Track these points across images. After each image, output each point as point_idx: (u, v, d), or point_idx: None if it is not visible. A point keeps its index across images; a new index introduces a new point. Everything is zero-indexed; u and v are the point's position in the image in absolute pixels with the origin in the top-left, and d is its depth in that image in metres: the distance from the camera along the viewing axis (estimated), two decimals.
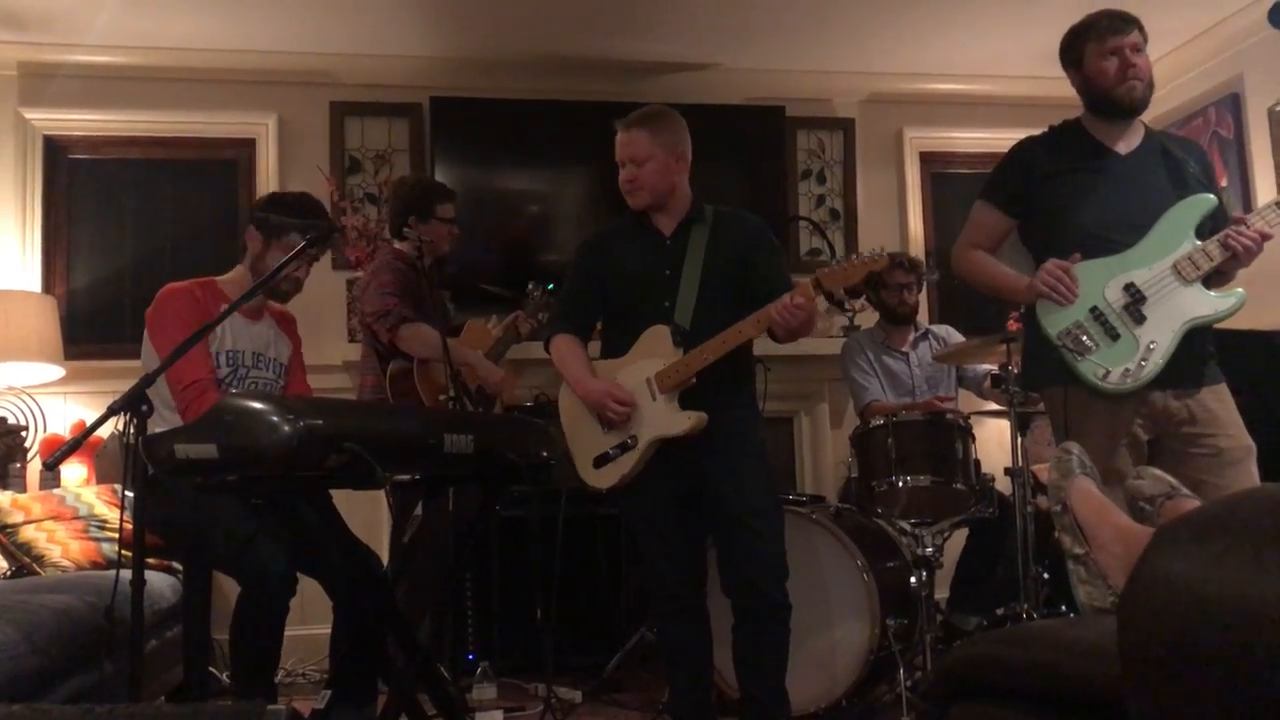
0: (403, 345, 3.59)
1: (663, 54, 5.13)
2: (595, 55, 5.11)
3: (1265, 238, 2.66)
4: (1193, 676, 0.79)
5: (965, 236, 3.06)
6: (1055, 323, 2.76)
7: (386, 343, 3.60)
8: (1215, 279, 2.76)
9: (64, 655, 2.65)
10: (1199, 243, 2.70)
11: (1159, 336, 2.68)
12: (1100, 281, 2.74)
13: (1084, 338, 2.72)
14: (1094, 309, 2.73)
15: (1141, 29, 2.83)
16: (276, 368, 3.17)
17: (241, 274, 3.09)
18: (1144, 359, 2.67)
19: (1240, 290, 2.73)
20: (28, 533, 3.74)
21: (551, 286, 4.13)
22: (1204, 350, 2.77)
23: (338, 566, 2.86)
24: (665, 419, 2.81)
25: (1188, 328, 2.68)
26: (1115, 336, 2.71)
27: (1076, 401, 2.77)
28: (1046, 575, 3.73)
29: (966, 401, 4.41)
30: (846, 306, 4.42)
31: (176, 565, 3.74)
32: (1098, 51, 2.83)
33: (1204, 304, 2.70)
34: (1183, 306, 2.69)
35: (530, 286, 4.19)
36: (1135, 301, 2.70)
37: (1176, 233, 2.73)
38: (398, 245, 3.85)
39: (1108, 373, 2.69)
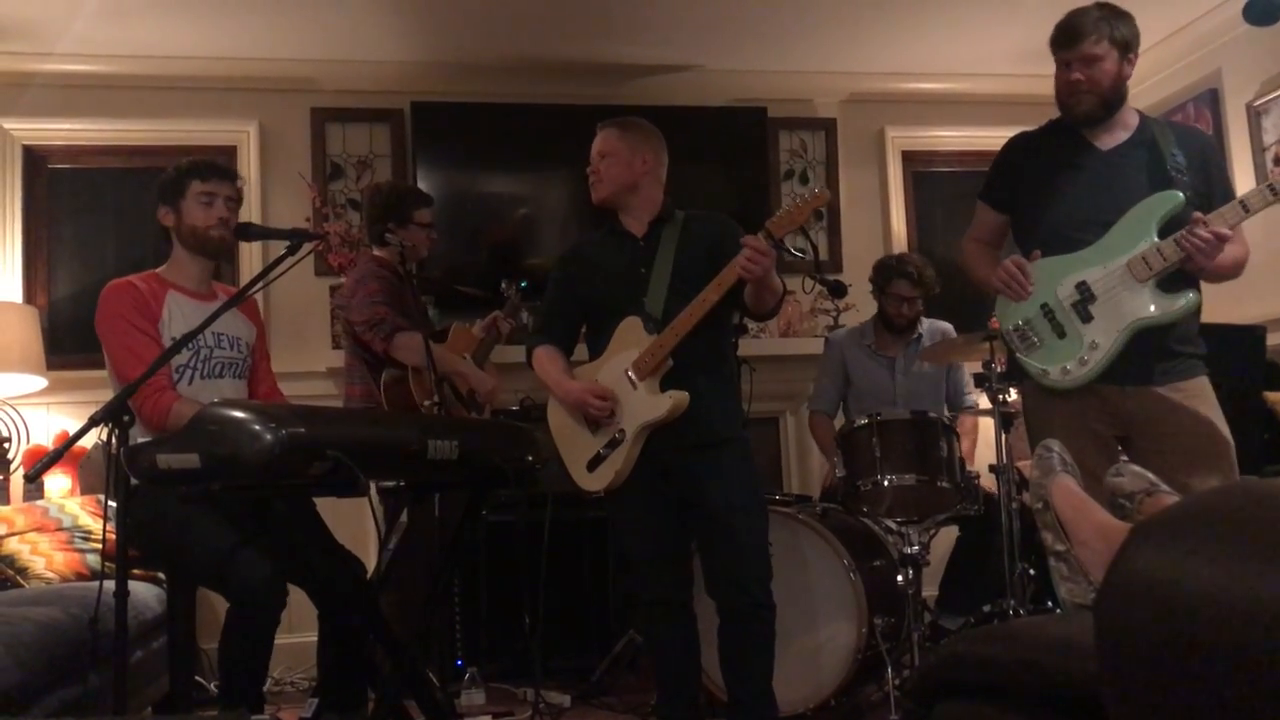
0: (398, 354, 3.57)
1: (644, 56, 5.13)
2: (576, 58, 5.11)
3: (1221, 238, 2.60)
4: (1167, 671, 0.79)
5: (969, 231, 3.14)
6: (1008, 318, 2.85)
7: (381, 352, 3.59)
8: (1199, 277, 2.74)
9: (48, 668, 2.63)
10: (1157, 242, 2.68)
11: (1102, 336, 2.70)
12: (1055, 279, 2.77)
13: (1030, 334, 2.79)
14: (1044, 305, 2.78)
15: (1104, 35, 2.78)
16: (242, 346, 3.07)
17: (179, 254, 3.01)
18: (1084, 358, 2.70)
19: (1191, 294, 2.70)
20: (11, 545, 3.72)
21: (525, 285, 4.13)
22: (1167, 348, 2.75)
23: (322, 574, 2.85)
24: (647, 404, 2.82)
25: (1135, 329, 2.68)
26: (1062, 334, 2.75)
27: (1034, 397, 2.84)
28: (1032, 572, 3.74)
29: None
30: (791, 251, 4.11)
31: (161, 575, 3.72)
32: (1056, 61, 2.87)
33: (1153, 304, 2.68)
34: (1130, 307, 2.69)
35: (503, 286, 4.17)
36: (1085, 300, 2.73)
37: (1137, 231, 2.72)
38: (378, 252, 3.84)
39: (1047, 370, 2.76)
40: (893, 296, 4.22)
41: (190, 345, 2.80)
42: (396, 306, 3.62)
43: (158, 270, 3.02)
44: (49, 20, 4.44)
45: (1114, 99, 2.84)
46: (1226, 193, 2.82)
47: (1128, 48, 2.82)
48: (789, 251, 2.87)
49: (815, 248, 5.24)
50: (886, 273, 4.26)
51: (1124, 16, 2.84)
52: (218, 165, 3.05)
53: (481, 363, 3.94)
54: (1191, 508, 0.91)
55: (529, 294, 4.11)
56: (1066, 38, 2.82)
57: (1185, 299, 2.69)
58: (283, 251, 2.64)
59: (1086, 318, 2.71)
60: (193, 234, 2.96)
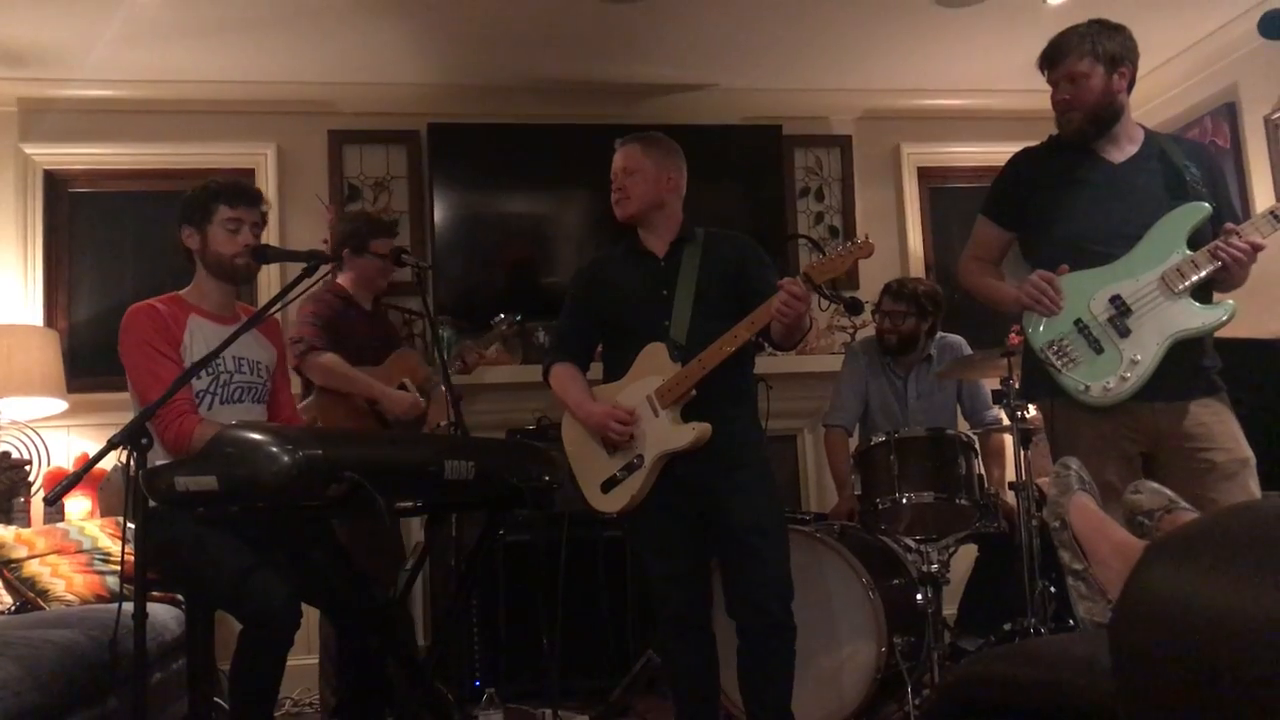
0: (309, 373, 3.67)
1: (659, 76, 5.15)
2: (592, 78, 5.13)
3: (1256, 248, 2.61)
4: (1182, 691, 0.79)
5: (968, 250, 3.08)
6: (1040, 335, 2.76)
7: (294, 369, 3.61)
8: (1212, 288, 2.73)
9: (68, 691, 2.64)
10: (1189, 253, 2.66)
11: (1142, 351, 2.66)
12: (1087, 293, 2.72)
13: (1068, 350, 2.72)
14: (1079, 321, 2.71)
15: (1086, 52, 2.77)
16: (261, 370, 3.03)
17: (201, 277, 2.99)
18: (1126, 373, 2.65)
19: (1230, 302, 2.68)
20: (32, 567, 3.73)
21: (520, 318, 4.16)
22: (1195, 363, 2.73)
23: (340, 595, 2.85)
24: (668, 433, 2.81)
25: (1173, 341, 2.65)
26: (1099, 350, 2.69)
27: (1064, 414, 2.76)
28: (1053, 590, 3.71)
29: None
30: (827, 294, 4.16)
31: (180, 597, 3.72)
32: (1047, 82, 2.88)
33: (1190, 317, 2.66)
34: (1168, 319, 2.66)
35: (501, 318, 4.19)
36: (1120, 314, 2.68)
37: (1167, 243, 2.69)
38: (339, 279, 3.88)
39: (1088, 387, 2.69)
40: (879, 313, 4.21)
41: (209, 369, 2.81)
42: (329, 330, 3.64)
43: (180, 293, 3.00)
44: (69, 46, 4.49)
45: (1104, 115, 2.81)
46: (1231, 208, 2.82)
47: (1116, 62, 2.78)
48: (825, 296, 2.85)
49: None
50: (880, 293, 4.26)
51: (1114, 31, 2.81)
52: (246, 190, 2.99)
53: (430, 391, 3.91)
54: (1208, 525, 0.90)
55: (520, 326, 4.22)
56: (1047, 58, 2.84)
57: (1224, 307, 2.67)
58: (299, 273, 2.65)
59: (1124, 332, 2.67)
60: (218, 261, 2.94)
